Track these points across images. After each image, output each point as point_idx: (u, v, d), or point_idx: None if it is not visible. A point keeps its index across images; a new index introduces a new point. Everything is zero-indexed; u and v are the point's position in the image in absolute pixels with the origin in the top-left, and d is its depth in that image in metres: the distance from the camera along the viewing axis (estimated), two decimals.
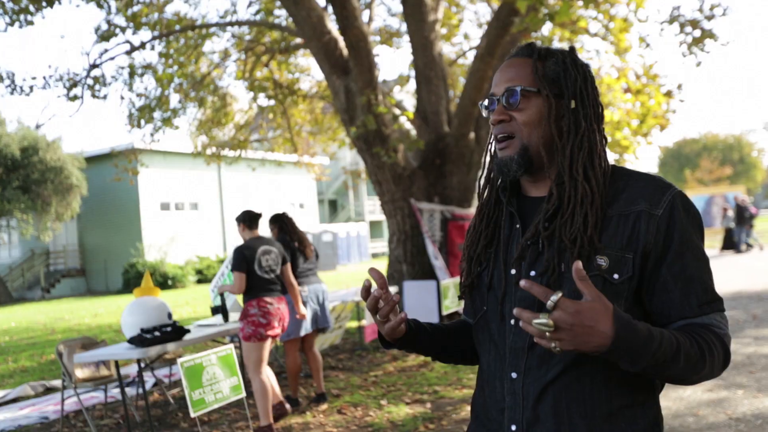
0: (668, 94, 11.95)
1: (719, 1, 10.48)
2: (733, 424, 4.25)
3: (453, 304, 8.27)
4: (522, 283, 1.04)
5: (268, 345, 4.98)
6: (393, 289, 7.65)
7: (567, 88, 1.29)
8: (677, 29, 10.74)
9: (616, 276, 1.19)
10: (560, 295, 1.02)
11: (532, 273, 1.24)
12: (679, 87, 11.91)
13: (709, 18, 10.43)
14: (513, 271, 1.28)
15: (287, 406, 5.32)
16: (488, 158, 1.43)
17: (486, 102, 1.34)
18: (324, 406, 5.56)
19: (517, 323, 1.24)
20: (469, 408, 5.08)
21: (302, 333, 5.58)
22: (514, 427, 1.23)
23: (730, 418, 4.38)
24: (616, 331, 1.03)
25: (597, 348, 1.04)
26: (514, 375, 1.24)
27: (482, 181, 1.43)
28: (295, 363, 5.61)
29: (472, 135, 9.33)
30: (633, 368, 1.07)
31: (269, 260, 5.13)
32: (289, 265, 5.42)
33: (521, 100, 1.28)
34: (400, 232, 9.34)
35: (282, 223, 5.85)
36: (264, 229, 5.75)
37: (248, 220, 5.29)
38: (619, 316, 1.04)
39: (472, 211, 9.87)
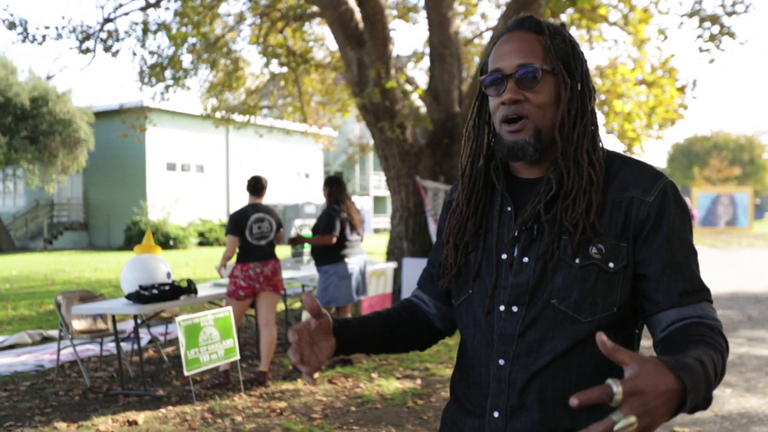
0: (682, 89, 11.86)
1: None
2: (718, 421, 4.29)
3: None
4: (572, 401, 0.88)
5: (244, 305, 5.34)
6: (391, 265, 7.68)
7: (576, 69, 1.25)
8: (696, 23, 10.63)
9: (611, 265, 1.17)
10: (618, 385, 0.88)
11: (525, 259, 1.21)
12: (694, 83, 11.81)
13: (730, 14, 10.30)
14: (504, 256, 1.24)
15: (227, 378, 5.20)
16: (476, 136, 1.33)
17: (491, 77, 1.25)
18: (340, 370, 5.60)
19: (507, 309, 1.21)
20: None
21: (345, 303, 5.62)
22: (496, 414, 1.21)
23: (716, 414, 4.42)
24: (680, 379, 0.93)
25: (676, 406, 0.93)
26: (501, 362, 1.21)
27: (467, 162, 1.34)
28: None
29: None
30: (700, 404, 0.98)
31: (262, 227, 5.33)
32: (282, 230, 5.54)
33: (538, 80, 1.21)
34: (404, 209, 9.36)
35: (333, 188, 5.77)
36: (271, 197, 5.79)
37: (250, 186, 5.56)
38: (668, 362, 0.94)
39: None
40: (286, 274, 6.65)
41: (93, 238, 26.81)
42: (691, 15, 10.77)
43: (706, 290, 1.20)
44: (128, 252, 22.06)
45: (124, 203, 25.14)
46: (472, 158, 1.34)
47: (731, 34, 10.41)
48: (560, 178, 1.22)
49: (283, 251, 12.62)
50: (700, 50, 10.71)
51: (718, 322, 1.18)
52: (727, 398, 4.77)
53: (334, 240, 5.45)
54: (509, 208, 1.26)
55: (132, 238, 23.22)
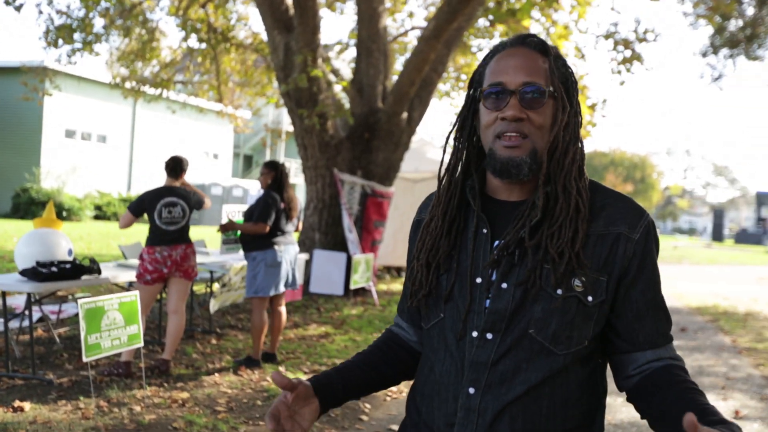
0: (593, 107, 12.42)
1: (653, 27, 10.94)
2: (611, 429, 4.52)
3: (362, 279, 8.31)
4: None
5: (153, 290, 5.13)
6: (303, 256, 7.57)
7: (573, 96, 1.23)
8: (611, 45, 11.17)
9: (590, 298, 1.15)
10: None
11: (504, 285, 1.17)
12: (604, 102, 12.39)
13: (641, 41, 10.90)
14: (479, 280, 1.19)
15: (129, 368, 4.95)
16: (457, 149, 1.29)
17: (493, 90, 1.20)
18: (260, 369, 5.41)
19: (481, 336, 1.17)
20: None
21: (272, 293, 5.36)
22: None
23: (609, 423, 4.65)
24: None
25: None
26: (471, 390, 1.17)
27: (445, 175, 1.30)
28: (261, 321, 5.37)
29: (404, 115, 9.33)
30: None
31: (173, 212, 5.13)
32: (206, 200, 5.43)
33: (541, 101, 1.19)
34: (318, 200, 9.27)
35: (277, 173, 5.51)
36: (188, 176, 5.56)
37: (168, 167, 5.36)
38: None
39: (393, 189, 9.91)
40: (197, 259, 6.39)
41: None
42: (606, 37, 11.30)
43: (671, 326, 1.24)
44: (15, 220, 20.64)
45: (13, 168, 23.43)
46: (451, 172, 1.30)
47: (640, 59, 11.03)
48: (547, 203, 1.19)
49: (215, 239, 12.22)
50: (612, 72, 11.29)
51: (683, 361, 1.23)
52: (619, 407, 5.03)
53: (267, 229, 5.25)
54: (485, 230, 1.22)
55: (20, 206, 21.72)
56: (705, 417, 1.04)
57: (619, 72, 11.18)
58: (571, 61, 17.03)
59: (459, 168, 1.29)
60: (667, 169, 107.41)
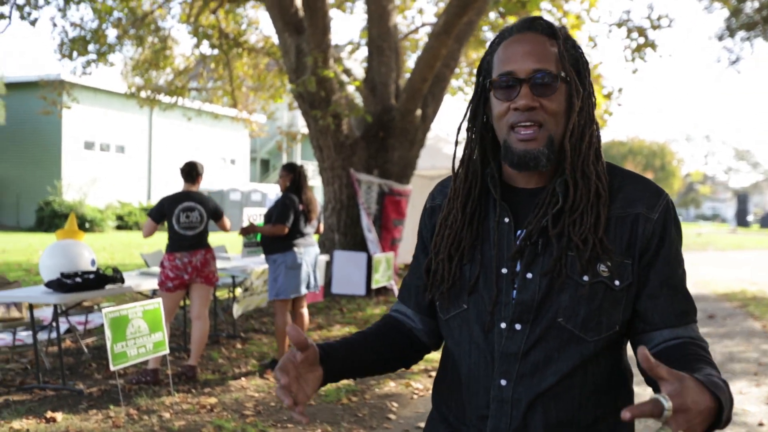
0: (608, 95, 12.30)
1: (667, 12, 10.80)
2: (646, 421, 4.46)
3: (383, 278, 8.29)
4: (624, 414, 0.89)
5: (175, 297, 5.17)
6: (323, 258, 7.58)
7: (585, 77, 1.20)
8: (624, 33, 11.06)
9: (617, 282, 1.14)
10: (668, 401, 0.89)
11: (529, 275, 1.15)
12: (620, 90, 12.27)
13: (655, 27, 10.77)
14: (504, 271, 1.17)
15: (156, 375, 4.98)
16: (468, 142, 1.27)
17: (503, 80, 1.17)
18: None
19: (510, 327, 1.15)
20: (392, 384, 5.15)
21: (293, 295, 5.37)
22: None
23: None
24: (717, 398, 0.94)
25: (711, 423, 0.94)
26: (503, 382, 1.15)
27: (461, 167, 1.28)
28: (284, 323, 5.40)
29: (418, 112, 9.30)
30: (726, 423, 0.98)
31: (191, 217, 5.16)
32: (225, 220, 5.36)
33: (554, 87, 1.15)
34: (336, 201, 9.27)
35: (295, 175, 5.50)
36: (206, 183, 5.58)
37: (183, 172, 5.41)
38: (704, 381, 0.95)
39: (410, 187, 9.89)
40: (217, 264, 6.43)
41: (0, 217, 25.27)
42: (619, 25, 11.19)
43: (696, 310, 1.21)
44: (39, 234, 20.94)
45: (36, 182, 23.77)
46: (467, 163, 1.27)
47: (653, 46, 10.89)
48: (566, 190, 1.16)
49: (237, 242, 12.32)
50: (626, 60, 11.17)
51: (706, 342, 1.18)
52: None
53: (286, 230, 5.26)
54: (507, 220, 1.20)
55: (44, 219, 22.02)
56: (694, 372, 1.00)
57: (633, 59, 11.05)
58: (586, 51, 16.87)
59: (475, 158, 1.26)
60: (687, 156, 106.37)
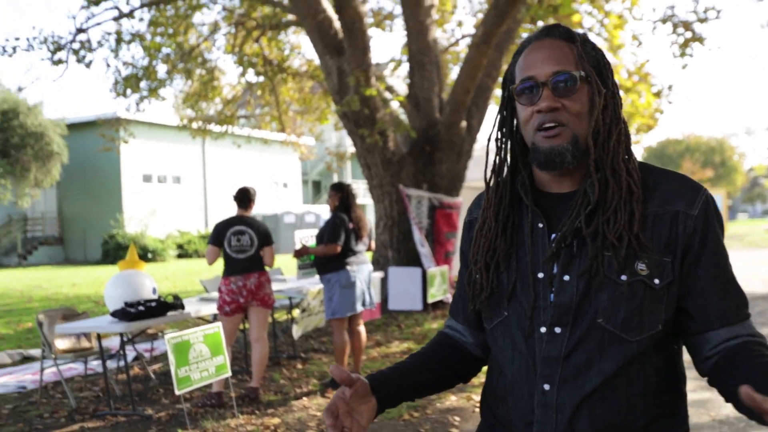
0: (658, 93, 12.02)
1: (713, 4, 10.50)
2: (717, 426, 4.31)
3: (439, 292, 8.28)
4: (746, 390, 0.91)
5: (234, 320, 5.29)
6: (378, 275, 7.63)
7: (607, 78, 1.22)
8: (670, 29, 10.80)
9: (656, 281, 1.12)
10: None
11: (566, 277, 1.15)
12: (670, 88, 11.98)
13: (702, 21, 10.48)
14: (541, 275, 1.18)
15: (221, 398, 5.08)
16: (499, 149, 1.29)
17: (524, 86, 1.20)
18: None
19: (549, 331, 1.16)
20: (453, 398, 5.12)
21: (349, 313, 5.43)
22: None
23: (713, 419, 4.44)
24: None
25: None
26: (546, 387, 1.15)
27: (491, 176, 1.30)
28: (342, 342, 5.47)
29: (463, 123, 9.31)
30: None
31: (241, 240, 5.28)
32: (271, 248, 5.41)
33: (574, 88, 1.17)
34: (387, 218, 9.32)
35: (343, 194, 5.57)
36: (260, 207, 5.71)
37: (236, 198, 5.53)
38: None
39: (460, 200, 9.87)
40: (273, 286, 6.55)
41: (69, 252, 26.35)
42: (664, 21, 10.94)
43: (748, 304, 1.18)
44: (106, 266, 21.72)
45: (100, 216, 24.76)
46: (497, 172, 1.29)
47: (701, 40, 10.59)
48: (598, 189, 1.17)
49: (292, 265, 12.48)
50: (674, 56, 10.89)
51: (764, 337, 1.16)
52: (723, 402, 4.79)
53: (338, 249, 5.33)
54: (540, 225, 1.21)
55: (109, 252, 22.88)
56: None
57: (682, 55, 10.78)
58: (631, 50, 16.66)
59: (505, 167, 1.29)
60: (749, 150, 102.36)
